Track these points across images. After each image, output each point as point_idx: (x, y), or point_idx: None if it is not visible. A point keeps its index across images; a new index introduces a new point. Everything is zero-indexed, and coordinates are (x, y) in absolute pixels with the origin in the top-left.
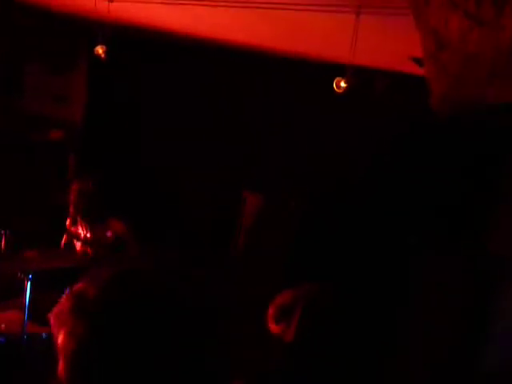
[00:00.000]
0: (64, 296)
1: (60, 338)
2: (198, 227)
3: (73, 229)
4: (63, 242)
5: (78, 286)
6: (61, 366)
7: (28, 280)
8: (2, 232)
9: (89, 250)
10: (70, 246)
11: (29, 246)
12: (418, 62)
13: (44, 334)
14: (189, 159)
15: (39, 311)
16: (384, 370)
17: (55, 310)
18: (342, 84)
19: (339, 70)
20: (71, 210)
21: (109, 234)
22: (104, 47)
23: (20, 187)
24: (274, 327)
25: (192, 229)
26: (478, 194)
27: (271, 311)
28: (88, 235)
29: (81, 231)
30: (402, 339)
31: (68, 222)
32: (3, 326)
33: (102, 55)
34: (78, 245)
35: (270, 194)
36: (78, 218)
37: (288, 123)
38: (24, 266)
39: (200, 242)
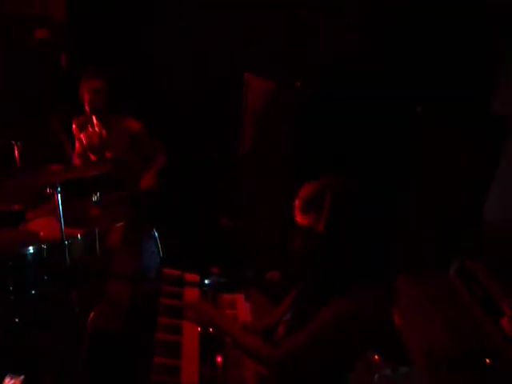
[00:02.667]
0: None
1: None
2: (197, 111)
3: (82, 135)
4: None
5: None
6: None
7: (57, 193)
8: (14, 143)
9: (107, 153)
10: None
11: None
12: None
13: (79, 236)
14: (186, 41)
15: (70, 215)
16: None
17: None
18: None
19: None
20: (87, 109)
21: (125, 132)
22: None
23: (17, 95)
24: (301, 219)
25: (191, 114)
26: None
27: (298, 203)
28: (103, 133)
29: (94, 132)
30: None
31: (74, 128)
32: (42, 233)
33: None
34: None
35: (274, 76)
36: (92, 119)
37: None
38: (51, 179)
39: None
